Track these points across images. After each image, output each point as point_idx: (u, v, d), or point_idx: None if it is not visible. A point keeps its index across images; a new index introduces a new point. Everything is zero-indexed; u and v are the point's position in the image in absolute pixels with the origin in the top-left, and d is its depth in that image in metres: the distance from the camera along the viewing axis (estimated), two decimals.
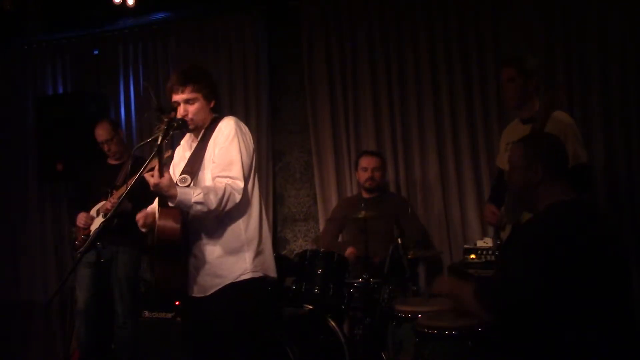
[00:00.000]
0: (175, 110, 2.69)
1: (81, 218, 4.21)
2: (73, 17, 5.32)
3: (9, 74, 5.83)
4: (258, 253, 2.76)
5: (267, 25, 5.19)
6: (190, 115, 2.74)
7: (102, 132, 4.40)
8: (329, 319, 3.76)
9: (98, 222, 4.15)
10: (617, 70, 4.24)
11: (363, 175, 4.42)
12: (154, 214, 2.71)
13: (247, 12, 5.17)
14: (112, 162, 4.47)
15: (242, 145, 2.73)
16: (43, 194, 5.66)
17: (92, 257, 4.09)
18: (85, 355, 4.28)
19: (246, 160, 2.73)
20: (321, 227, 4.97)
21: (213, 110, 2.86)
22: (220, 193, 2.58)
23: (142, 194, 3.62)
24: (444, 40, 4.65)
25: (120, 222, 3.76)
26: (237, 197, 2.64)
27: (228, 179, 2.64)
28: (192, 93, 2.73)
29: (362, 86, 4.88)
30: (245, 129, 2.84)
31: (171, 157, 2.96)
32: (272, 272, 2.85)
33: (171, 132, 2.58)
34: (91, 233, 4.12)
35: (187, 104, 2.74)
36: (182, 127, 2.72)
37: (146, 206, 3.90)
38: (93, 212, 4.23)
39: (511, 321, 2.01)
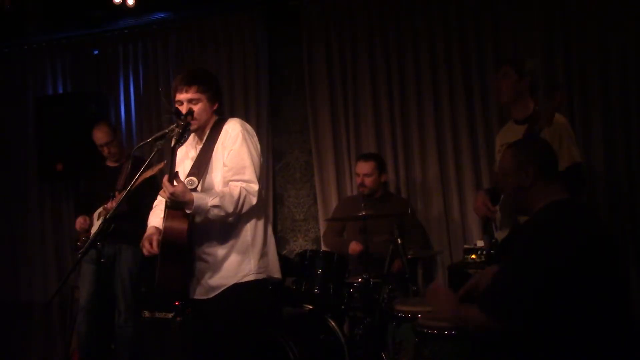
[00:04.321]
0: (192, 114, 2.71)
1: (78, 222, 4.23)
2: (73, 17, 5.32)
3: (9, 74, 5.83)
4: (263, 255, 2.80)
5: (267, 25, 5.19)
6: (193, 115, 2.75)
7: (101, 135, 4.38)
8: (329, 319, 3.76)
9: (98, 225, 4.15)
10: (617, 70, 4.24)
11: (357, 181, 4.45)
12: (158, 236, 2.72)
13: (247, 12, 5.17)
14: (110, 164, 4.46)
15: (251, 147, 2.78)
16: (43, 194, 5.66)
17: (94, 255, 4.10)
18: (85, 351, 4.28)
19: (257, 162, 2.77)
20: (321, 227, 4.98)
21: (216, 112, 2.88)
22: (235, 196, 2.62)
23: (140, 196, 3.62)
24: (444, 41, 4.65)
25: (118, 226, 3.71)
26: (253, 199, 2.68)
27: (242, 182, 2.67)
28: (197, 93, 2.75)
29: (362, 86, 4.88)
30: (252, 130, 2.88)
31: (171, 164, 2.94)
32: (277, 273, 2.88)
33: (185, 137, 2.60)
34: (91, 236, 4.12)
35: (190, 103, 2.75)
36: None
37: (143, 208, 3.87)
38: (95, 215, 4.24)
39: (522, 325, 1.99)
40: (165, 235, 2.61)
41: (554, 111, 3.09)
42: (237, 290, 2.71)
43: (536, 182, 2.16)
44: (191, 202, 2.53)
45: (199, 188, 2.70)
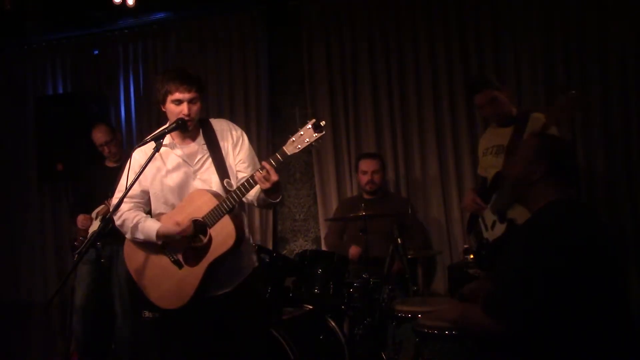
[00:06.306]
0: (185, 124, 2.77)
1: (80, 220, 4.21)
2: (73, 17, 5.32)
3: (9, 74, 5.83)
4: (253, 247, 3.07)
5: (267, 25, 5.20)
6: (192, 115, 2.73)
7: (100, 135, 4.36)
8: (329, 319, 3.76)
9: (96, 225, 4.14)
10: (617, 71, 4.24)
11: (363, 179, 4.44)
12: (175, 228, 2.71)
13: (247, 12, 5.17)
14: (110, 164, 4.43)
15: None
16: (43, 194, 5.66)
17: (92, 256, 4.10)
18: (83, 352, 4.27)
19: None
20: (321, 227, 4.98)
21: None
22: None
23: None
24: (444, 41, 4.66)
25: (116, 227, 3.64)
26: None
27: None
28: (196, 93, 2.73)
29: (362, 86, 4.88)
30: None
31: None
32: (258, 261, 3.07)
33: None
34: (88, 235, 4.11)
35: (191, 103, 2.72)
36: (180, 128, 2.73)
37: None
38: (93, 214, 4.23)
39: (523, 327, 1.99)
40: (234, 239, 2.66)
41: (560, 114, 3.07)
42: (252, 279, 2.85)
43: (542, 180, 2.15)
44: (281, 192, 2.70)
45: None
